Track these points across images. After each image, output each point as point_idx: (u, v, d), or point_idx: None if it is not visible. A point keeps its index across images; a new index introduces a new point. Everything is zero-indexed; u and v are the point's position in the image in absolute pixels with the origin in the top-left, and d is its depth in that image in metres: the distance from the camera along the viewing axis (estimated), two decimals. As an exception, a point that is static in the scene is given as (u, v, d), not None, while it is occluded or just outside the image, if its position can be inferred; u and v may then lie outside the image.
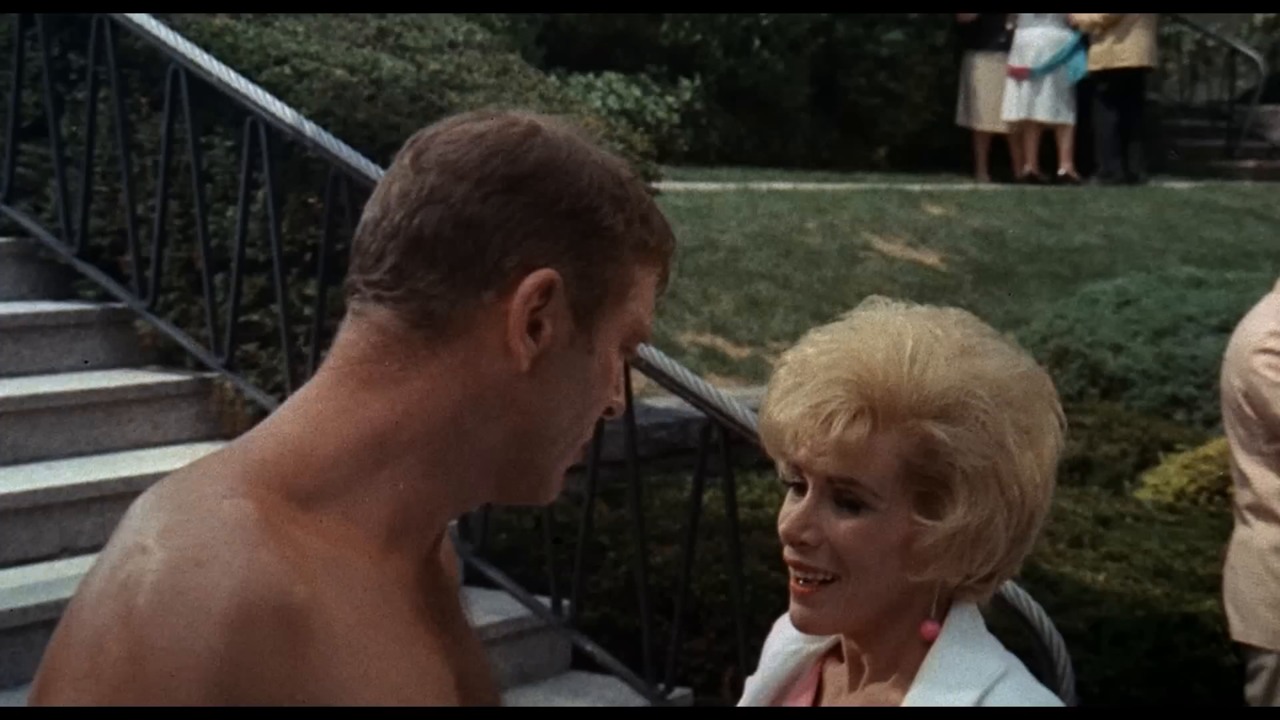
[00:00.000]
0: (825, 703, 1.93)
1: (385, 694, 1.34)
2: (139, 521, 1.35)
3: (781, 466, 1.89)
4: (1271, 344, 4.35)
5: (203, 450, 5.32)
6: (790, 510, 1.85)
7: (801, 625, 1.87)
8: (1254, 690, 4.53)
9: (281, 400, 5.21)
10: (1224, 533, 4.94)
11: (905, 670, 1.85)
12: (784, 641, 1.97)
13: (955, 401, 1.79)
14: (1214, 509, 5.96)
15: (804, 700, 1.94)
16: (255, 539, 1.30)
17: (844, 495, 1.81)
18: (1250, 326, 4.48)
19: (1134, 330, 7.29)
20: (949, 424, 1.78)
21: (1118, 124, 13.15)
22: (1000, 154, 13.26)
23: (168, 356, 5.70)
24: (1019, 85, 12.98)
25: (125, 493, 4.91)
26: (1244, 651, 4.59)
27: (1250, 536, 4.48)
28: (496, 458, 1.43)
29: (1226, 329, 5.92)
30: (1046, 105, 12.94)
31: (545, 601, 4.87)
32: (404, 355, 1.40)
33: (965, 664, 1.82)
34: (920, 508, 1.80)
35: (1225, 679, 4.84)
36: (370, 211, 1.45)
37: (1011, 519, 1.81)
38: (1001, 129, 13.20)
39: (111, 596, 1.30)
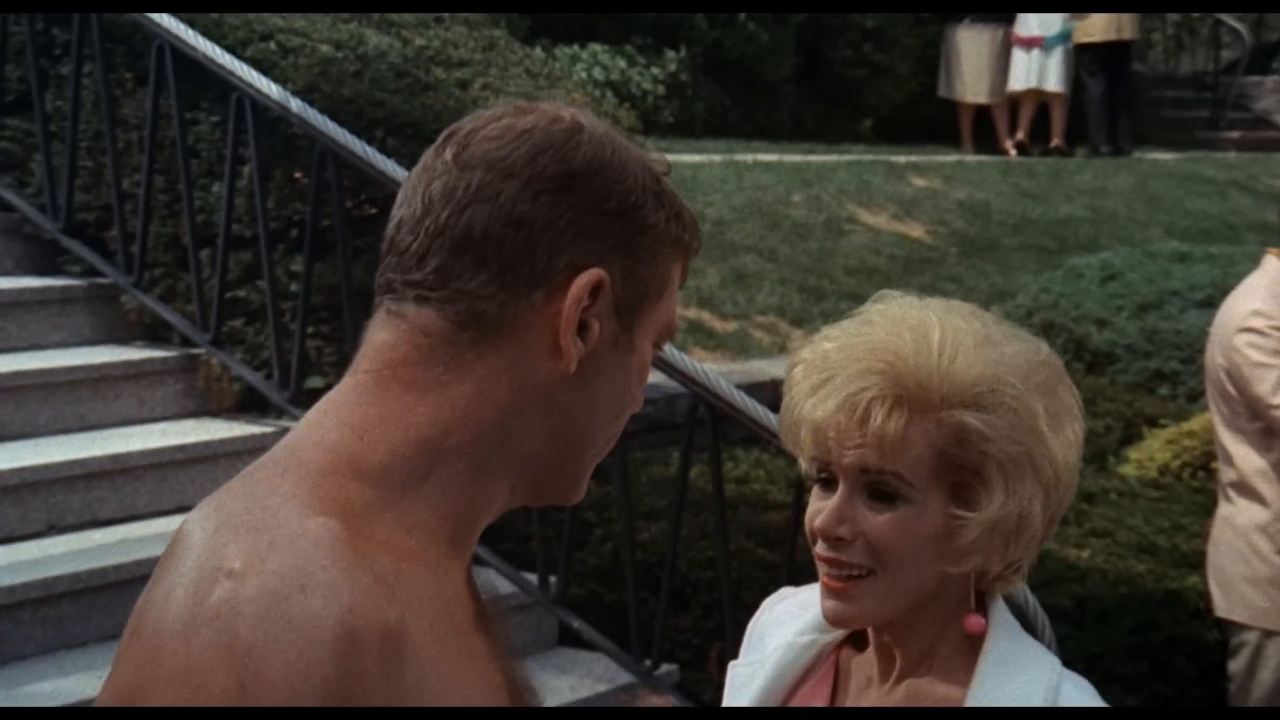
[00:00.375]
0: (851, 693, 1.91)
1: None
2: (209, 542, 1.29)
3: (805, 462, 1.86)
4: (1254, 323, 4.37)
5: (189, 426, 5.33)
6: (821, 506, 1.83)
7: (836, 621, 1.86)
8: (1236, 666, 4.56)
9: (269, 377, 5.25)
10: (1207, 508, 4.96)
11: (947, 663, 1.84)
12: (796, 632, 1.94)
13: (986, 390, 1.79)
14: (1197, 484, 5.97)
15: (822, 691, 1.92)
16: (349, 560, 1.26)
17: (878, 488, 1.80)
18: (1234, 304, 4.50)
19: (1119, 305, 7.30)
20: (981, 412, 1.78)
21: (1102, 96, 13.13)
22: (985, 126, 13.25)
23: (154, 332, 5.69)
24: (1028, 53, 12.91)
25: (112, 469, 4.91)
26: (1227, 628, 4.62)
27: (1234, 514, 4.50)
28: (537, 461, 1.41)
29: (1211, 303, 5.94)
30: (1055, 75, 12.89)
31: (532, 578, 4.88)
32: (449, 358, 1.36)
33: (1022, 661, 1.83)
34: (955, 500, 1.79)
35: (1208, 655, 4.86)
36: (406, 209, 1.39)
37: (1049, 502, 1.82)
38: (984, 100, 13.17)
39: (206, 625, 1.24)
